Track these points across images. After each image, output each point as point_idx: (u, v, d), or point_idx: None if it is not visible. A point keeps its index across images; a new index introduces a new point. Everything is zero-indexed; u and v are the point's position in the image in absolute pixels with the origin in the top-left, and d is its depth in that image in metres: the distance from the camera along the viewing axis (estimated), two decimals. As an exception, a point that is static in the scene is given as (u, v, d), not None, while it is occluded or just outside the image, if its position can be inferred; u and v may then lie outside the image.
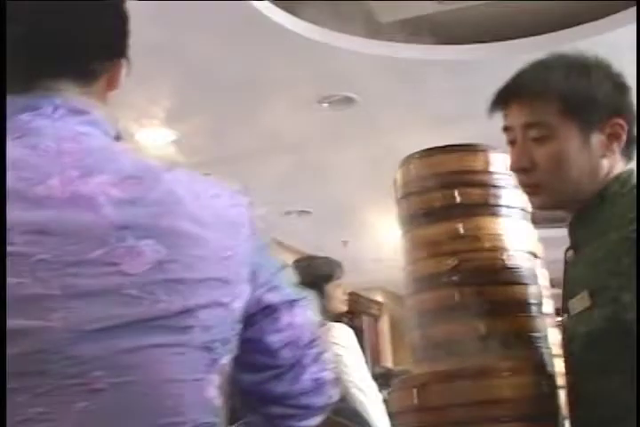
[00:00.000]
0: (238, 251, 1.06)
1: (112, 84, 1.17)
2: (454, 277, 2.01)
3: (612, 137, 1.56)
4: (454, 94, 5.45)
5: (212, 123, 6.02)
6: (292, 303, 1.15)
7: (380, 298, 13.47)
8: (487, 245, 2.05)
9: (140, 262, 0.95)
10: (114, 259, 0.94)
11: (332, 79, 5.43)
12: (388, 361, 12.68)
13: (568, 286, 1.57)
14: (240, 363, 1.09)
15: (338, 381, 1.22)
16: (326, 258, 3.84)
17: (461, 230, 2.05)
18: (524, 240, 2.12)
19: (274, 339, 1.12)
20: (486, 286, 2.01)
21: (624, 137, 1.57)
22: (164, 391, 0.94)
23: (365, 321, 13.01)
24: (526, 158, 1.59)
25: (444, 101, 5.40)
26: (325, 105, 5.80)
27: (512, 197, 2.13)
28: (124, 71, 1.18)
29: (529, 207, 2.19)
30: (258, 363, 1.13)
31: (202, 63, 5.10)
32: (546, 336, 2.02)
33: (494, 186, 2.12)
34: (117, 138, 1.11)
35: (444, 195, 2.10)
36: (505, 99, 1.63)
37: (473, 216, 2.08)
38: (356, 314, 11.86)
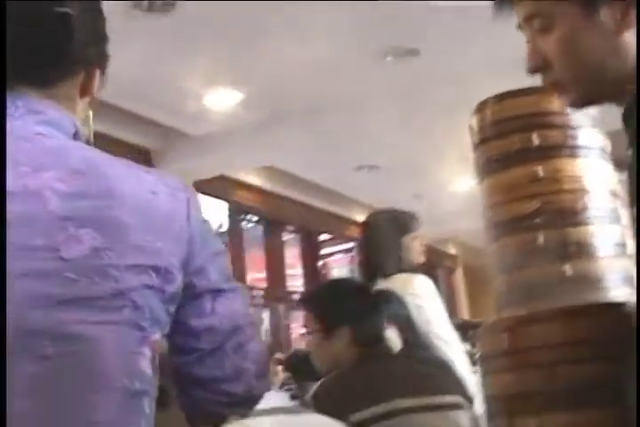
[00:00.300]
0: (170, 243, 1.17)
1: (84, 90, 1.28)
2: (536, 221, 2.00)
3: (627, 5, 1.32)
4: (523, 38, 5.36)
5: (278, 81, 6.03)
6: (217, 292, 1.25)
7: (453, 250, 13.46)
8: (567, 186, 2.03)
9: (77, 249, 1.07)
10: (55, 245, 1.07)
11: (397, 31, 5.38)
12: (463, 313, 12.69)
13: (633, 189, 1.37)
14: (171, 344, 1.22)
15: (265, 374, 1.30)
16: (402, 210, 3.82)
17: (541, 173, 2.04)
18: (604, 180, 2.10)
19: (196, 323, 1.22)
20: (568, 228, 2.00)
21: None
22: (102, 362, 1.07)
23: (440, 274, 13.03)
24: (538, 56, 1.40)
25: (512, 46, 5.32)
26: (390, 58, 5.76)
27: (590, 138, 2.10)
28: (95, 79, 1.29)
29: (608, 147, 2.16)
30: (184, 345, 1.23)
31: (265, 20, 5.09)
32: (631, 276, 2.00)
33: (572, 127, 2.10)
34: (76, 136, 1.22)
35: (521, 138, 2.09)
36: None
37: (552, 158, 2.06)
38: (431, 267, 11.88)
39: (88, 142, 1.30)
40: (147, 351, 1.12)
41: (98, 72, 1.30)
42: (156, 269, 1.14)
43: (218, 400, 1.27)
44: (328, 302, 2.58)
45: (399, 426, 2.17)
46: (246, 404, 1.32)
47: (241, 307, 1.29)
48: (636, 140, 1.22)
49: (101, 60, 1.32)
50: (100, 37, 1.32)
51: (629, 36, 1.32)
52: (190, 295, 1.21)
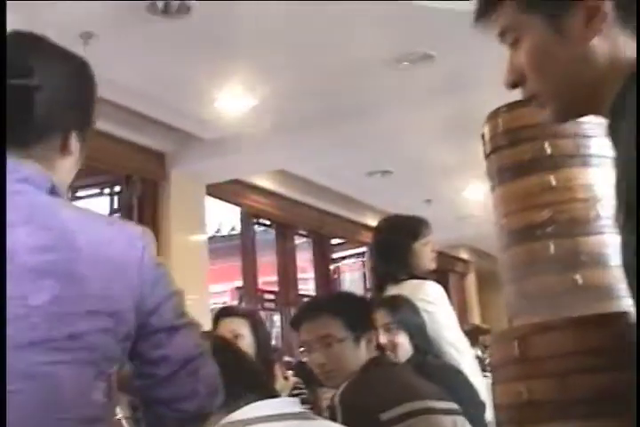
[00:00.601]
0: (125, 288, 1.35)
1: (63, 151, 1.44)
2: (548, 229, 2.00)
3: (589, 14, 1.27)
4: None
5: (291, 86, 6.04)
6: (172, 328, 1.43)
7: (465, 256, 13.44)
8: (580, 195, 2.03)
9: (41, 297, 1.24)
10: (24, 294, 1.24)
11: (412, 36, 5.38)
12: (475, 318, 12.68)
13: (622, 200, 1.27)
14: (135, 371, 1.43)
15: (215, 394, 1.50)
16: (413, 216, 3.83)
17: (553, 182, 2.04)
18: (616, 190, 2.10)
19: (154, 353, 1.41)
20: (580, 237, 2.00)
21: (604, 8, 1.26)
22: (59, 395, 1.25)
23: (452, 279, 13.01)
24: (514, 71, 1.36)
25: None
26: (405, 63, 5.76)
27: (602, 147, 2.10)
28: (72, 142, 1.44)
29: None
30: (144, 371, 1.43)
31: (279, 25, 5.10)
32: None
33: (584, 136, 2.10)
34: (52, 191, 1.37)
35: (533, 147, 2.09)
36: (484, 12, 1.41)
37: (564, 167, 2.06)
38: (443, 272, 11.86)
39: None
40: (101, 384, 1.31)
41: (74, 134, 1.45)
42: (111, 314, 1.32)
43: (175, 416, 1.46)
44: (357, 309, 2.63)
45: (420, 424, 2.28)
46: (199, 419, 1.51)
47: (193, 339, 1.48)
48: (636, 145, 1.19)
49: (80, 124, 1.47)
50: (79, 102, 1.47)
51: (598, 44, 1.28)
52: (148, 332, 1.40)
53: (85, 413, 1.28)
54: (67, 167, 1.46)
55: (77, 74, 1.48)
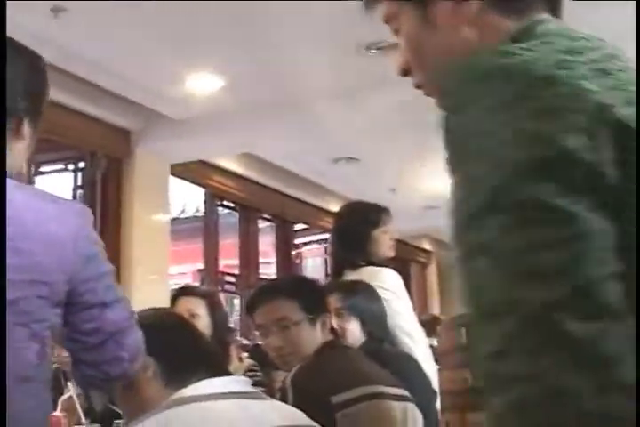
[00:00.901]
0: (61, 261, 1.51)
1: (16, 135, 1.60)
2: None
3: (455, 1, 1.22)
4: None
5: (260, 69, 6.02)
6: (104, 304, 1.61)
7: (427, 246, 13.50)
8: (536, 187, 2.05)
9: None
10: None
11: (381, 25, 5.38)
12: (435, 309, 12.75)
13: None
14: (67, 337, 1.61)
15: (135, 360, 1.70)
16: (373, 204, 3.84)
17: (509, 172, 2.05)
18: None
19: (86, 325, 1.60)
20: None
21: None
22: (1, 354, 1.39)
23: (413, 269, 13.07)
24: (401, 59, 1.32)
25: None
26: (374, 51, 5.77)
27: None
28: (24, 128, 1.61)
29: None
30: (76, 338, 1.61)
31: (251, 7, 5.08)
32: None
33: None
34: (9, 175, 1.52)
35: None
36: (369, 1, 1.38)
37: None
38: (405, 261, 11.91)
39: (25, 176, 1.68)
40: (34, 346, 1.47)
41: (27, 121, 1.61)
42: (47, 284, 1.48)
43: (99, 377, 1.66)
44: (311, 291, 2.65)
45: (371, 408, 2.30)
46: (120, 380, 1.75)
47: (123, 313, 1.66)
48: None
49: (31, 113, 1.62)
50: (31, 93, 1.63)
51: (468, 31, 1.22)
52: (82, 307, 1.58)
53: (20, 372, 1.43)
54: (19, 150, 1.61)
55: (32, 67, 1.65)
